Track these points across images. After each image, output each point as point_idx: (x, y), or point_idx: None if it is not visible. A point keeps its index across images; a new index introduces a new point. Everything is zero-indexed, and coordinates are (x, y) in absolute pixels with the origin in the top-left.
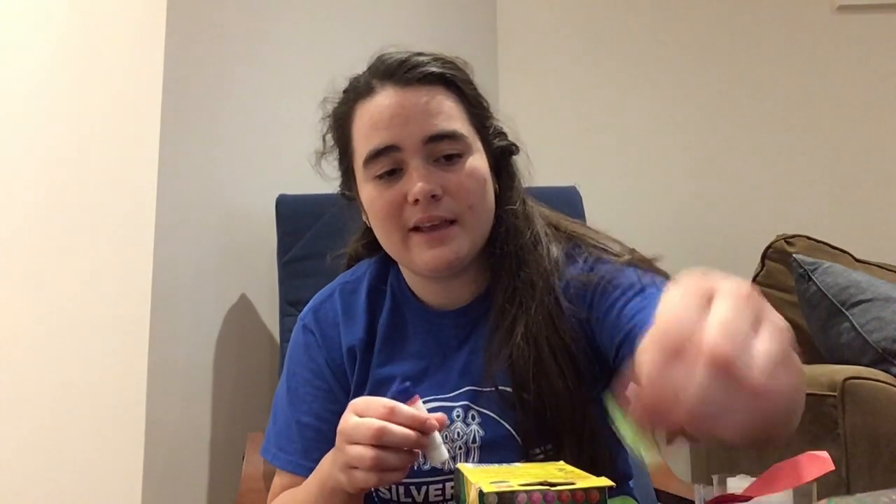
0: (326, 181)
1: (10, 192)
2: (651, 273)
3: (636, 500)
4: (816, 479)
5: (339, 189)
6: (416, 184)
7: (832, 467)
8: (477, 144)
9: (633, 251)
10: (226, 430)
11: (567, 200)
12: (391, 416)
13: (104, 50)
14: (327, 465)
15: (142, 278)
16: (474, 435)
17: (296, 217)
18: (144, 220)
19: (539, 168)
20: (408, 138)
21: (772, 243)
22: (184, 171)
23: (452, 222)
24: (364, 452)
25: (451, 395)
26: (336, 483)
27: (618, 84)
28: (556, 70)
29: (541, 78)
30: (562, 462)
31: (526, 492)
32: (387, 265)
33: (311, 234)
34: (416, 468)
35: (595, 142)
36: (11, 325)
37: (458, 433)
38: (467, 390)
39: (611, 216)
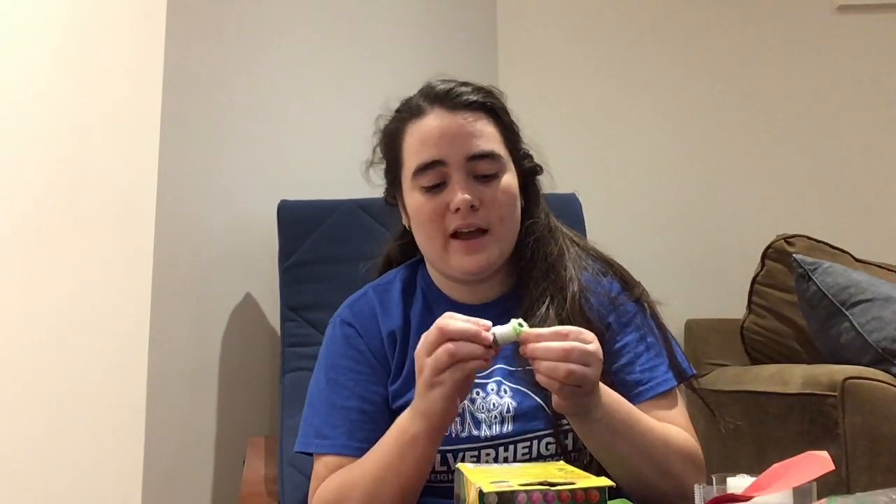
0: (373, 188)
1: (9, 195)
2: (651, 313)
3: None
4: (816, 479)
5: (383, 195)
6: (457, 194)
7: (832, 467)
8: (510, 164)
9: (640, 285)
10: (226, 435)
11: (567, 208)
12: (446, 331)
13: (104, 54)
14: (403, 420)
15: (141, 283)
16: (507, 405)
17: (297, 223)
18: (144, 224)
19: (539, 175)
20: (453, 155)
21: (772, 243)
22: (184, 175)
23: (485, 231)
24: (438, 354)
25: (484, 373)
26: (417, 428)
27: (617, 89)
28: (555, 77)
29: (540, 85)
30: (562, 462)
31: (526, 491)
32: (415, 270)
33: (312, 240)
34: (453, 436)
35: (594, 148)
36: (10, 327)
37: (494, 404)
38: (498, 369)
39: (611, 223)
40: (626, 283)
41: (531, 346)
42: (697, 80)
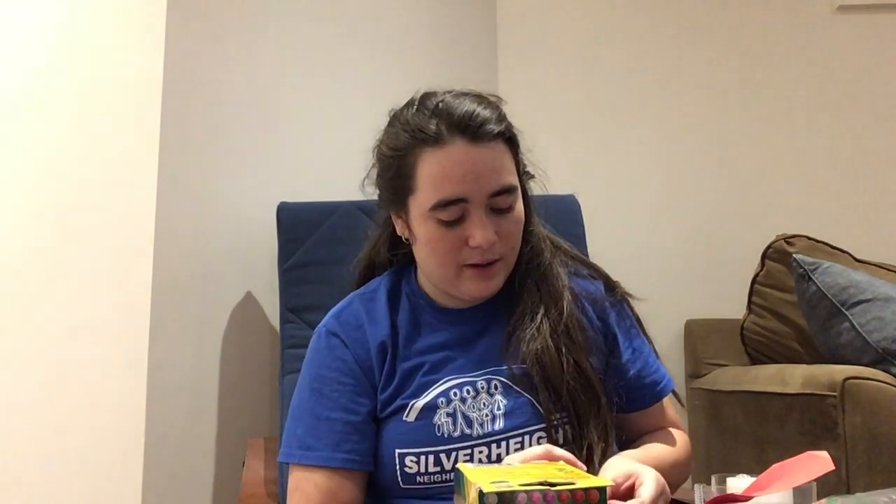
0: (368, 196)
1: (8, 196)
2: (629, 309)
3: None
4: (816, 479)
5: (378, 204)
6: (479, 232)
7: (832, 467)
8: (519, 188)
9: (619, 284)
10: (226, 436)
11: (566, 209)
12: None
13: (104, 54)
14: None
15: (141, 283)
16: (498, 403)
17: (296, 224)
18: (144, 225)
19: (538, 176)
20: (476, 193)
21: (772, 243)
22: (183, 177)
23: (498, 259)
24: None
25: (473, 373)
26: None
27: (616, 90)
28: (555, 78)
29: (540, 86)
30: (562, 462)
31: (526, 492)
32: (400, 277)
33: (311, 242)
34: (445, 436)
35: (593, 149)
36: (10, 328)
37: (484, 402)
38: (488, 370)
39: (610, 223)
40: (608, 283)
41: None
42: (696, 80)
